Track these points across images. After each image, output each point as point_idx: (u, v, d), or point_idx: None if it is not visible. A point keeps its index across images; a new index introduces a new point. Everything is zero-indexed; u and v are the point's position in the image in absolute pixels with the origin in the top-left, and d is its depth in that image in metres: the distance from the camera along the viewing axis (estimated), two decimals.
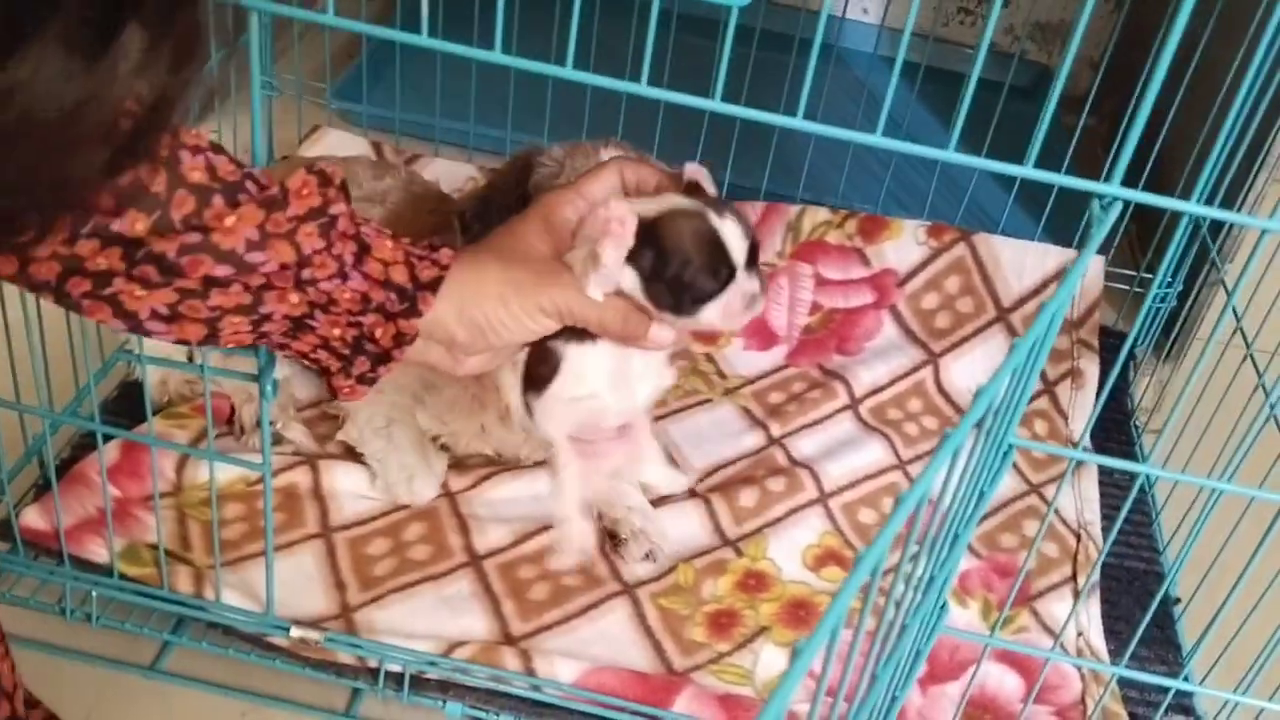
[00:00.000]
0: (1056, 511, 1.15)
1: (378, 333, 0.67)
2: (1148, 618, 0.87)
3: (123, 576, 0.92)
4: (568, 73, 0.64)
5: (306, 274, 0.64)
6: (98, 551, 0.94)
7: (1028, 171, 0.64)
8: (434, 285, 0.67)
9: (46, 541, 0.93)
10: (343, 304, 0.65)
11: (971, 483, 0.71)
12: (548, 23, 0.99)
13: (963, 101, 0.61)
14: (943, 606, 0.77)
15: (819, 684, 0.46)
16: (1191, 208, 0.66)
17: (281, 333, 0.66)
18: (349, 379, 0.70)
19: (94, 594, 0.94)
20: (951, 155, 0.64)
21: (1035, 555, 1.10)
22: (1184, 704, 0.99)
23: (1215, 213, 0.74)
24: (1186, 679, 0.93)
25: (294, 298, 0.64)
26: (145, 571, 0.94)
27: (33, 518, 0.94)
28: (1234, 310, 1.12)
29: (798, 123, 0.63)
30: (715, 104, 0.63)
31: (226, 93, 1.30)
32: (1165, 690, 0.92)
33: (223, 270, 0.61)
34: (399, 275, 0.66)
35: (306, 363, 0.70)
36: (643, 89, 0.63)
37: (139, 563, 0.94)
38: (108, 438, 0.97)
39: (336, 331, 0.66)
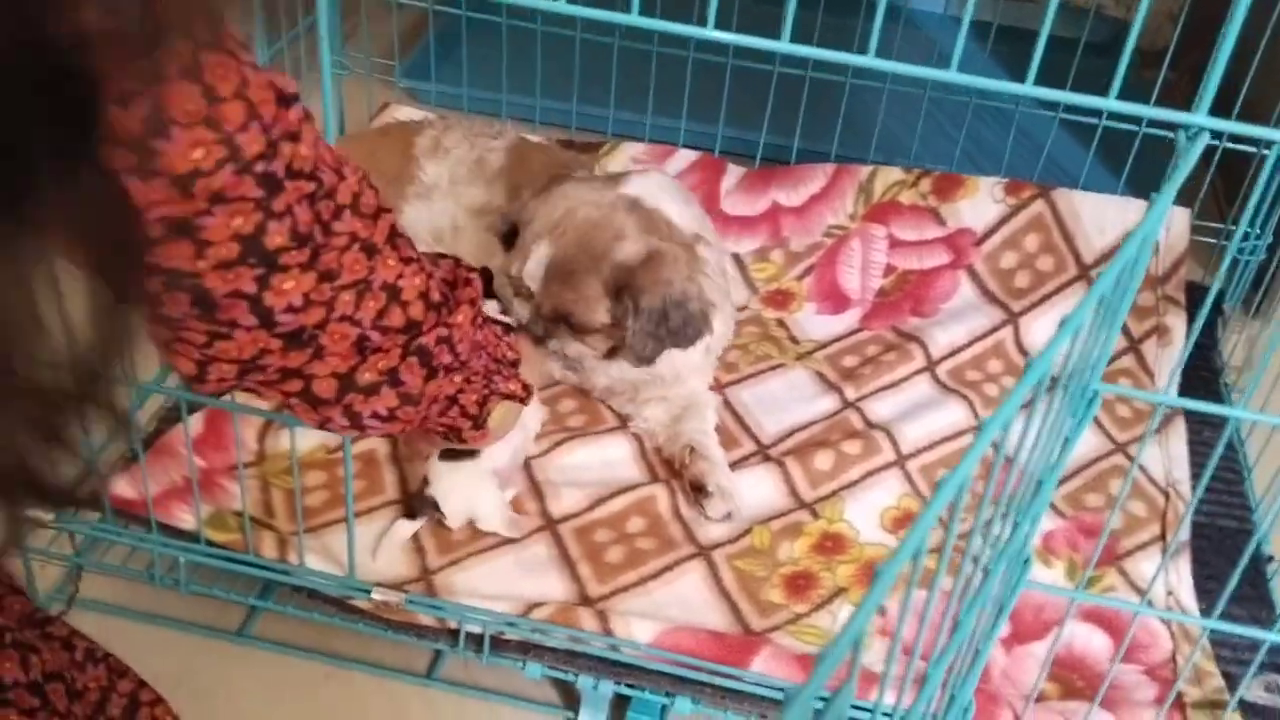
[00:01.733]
0: (1144, 470, 1.12)
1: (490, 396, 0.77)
2: (1238, 573, 0.84)
3: (209, 543, 0.94)
4: (634, 19, 0.63)
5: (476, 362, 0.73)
6: (185, 519, 0.96)
7: (1110, 104, 0.62)
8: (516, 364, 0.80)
9: (135, 510, 0.96)
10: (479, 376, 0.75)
11: (1055, 431, 0.69)
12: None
13: (1038, 43, 0.60)
14: (1026, 560, 0.75)
15: (894, 640, 0.45)
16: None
17: (440, 413, 0.74)
18: (477, 430, 0.77)
19: (181, 560, 0.96)
20: (1030, 89, 0.62)
21: (1120, 513, 1.08)
22: (1277, 661, 0.96)
23: None
24: None
25: (457, 379, 0.72)
26: (231, 538, 0.96)
27: (122, 487, 0.97)
28: None
29: (869, 60, 0.62)
30: (784, 45, 0.62)
31: (298, 73, 1.32)
32: (1258, 645, 0.89)
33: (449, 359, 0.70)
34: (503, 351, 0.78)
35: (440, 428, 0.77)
36: (709, 33, 0.62)
37: (225, 529, 0.96)
38: (193, 408, 0.99)
39: (474, 398, 0.75)
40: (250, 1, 1.07)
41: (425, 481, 0.99)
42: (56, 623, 0.63)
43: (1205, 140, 0.61)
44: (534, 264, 1.00)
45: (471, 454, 0.96)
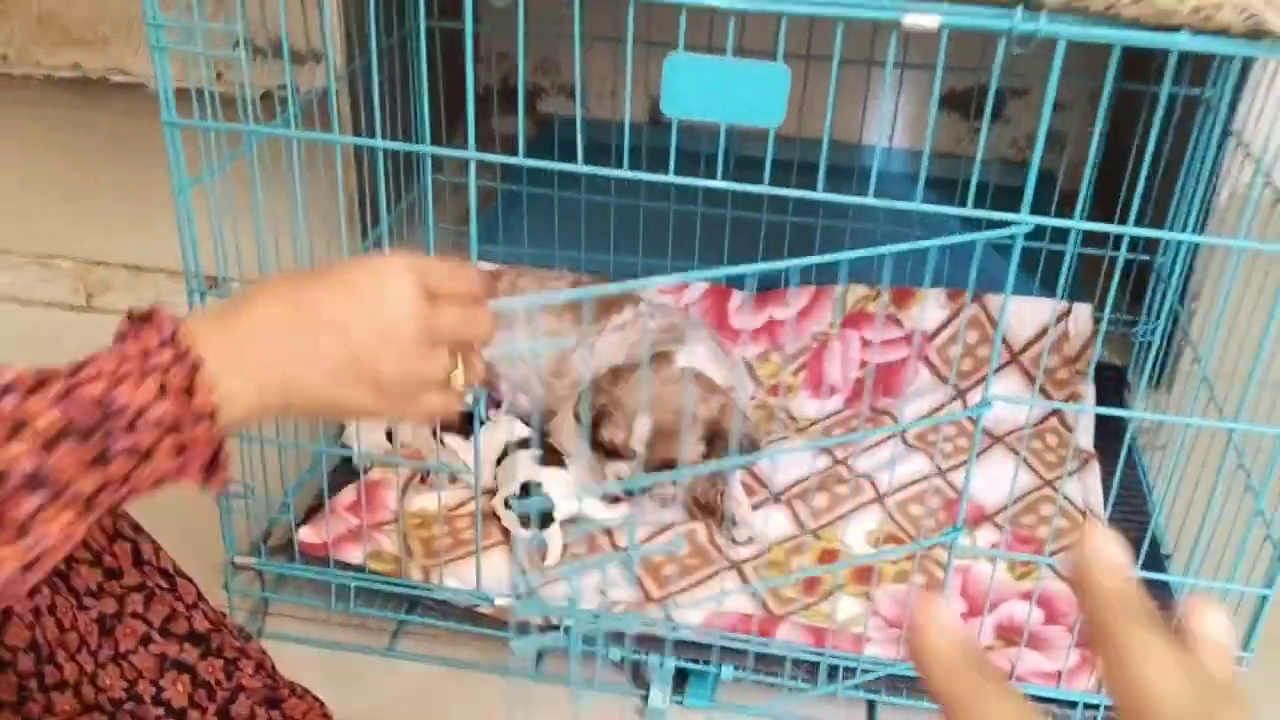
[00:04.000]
0: (1066, 497, 1.47)
1: None
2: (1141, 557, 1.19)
3: (371, 572, 1.29)
4: (673, 179, 1.02)
5: None
6: (354, 554, 1.30)
7: (972, 211, 1.00)
8: None
9: (317, 551, 1.30)
10: None
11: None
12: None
13: (971, 178, 0.98)
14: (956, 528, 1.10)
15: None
16: (1079, 224, 1.02)
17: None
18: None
19: (352, 585, 1.30)
20: (920, 206, 1.00)
21: (1050, 528, 1.42)
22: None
23: (1131, 230, 1.08)
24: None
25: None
26: (387, 567, 1.30)
27: (307, 534, 1.32)
28: (1190, 343, 1.46)
29: (819, 195, 1.00)
30: (766, 189, 1.01)
31: (400, 238, 1.72)
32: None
33: None
34: None
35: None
36: (718, 184, 1.01)
37: (382, 561, 1.31)
38: (364, 470, 1.34)
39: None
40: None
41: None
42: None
43: (1025, 232, 0.99)
44: (640, 431, 1.37)
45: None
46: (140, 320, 0.58)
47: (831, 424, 1.60)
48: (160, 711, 0.79)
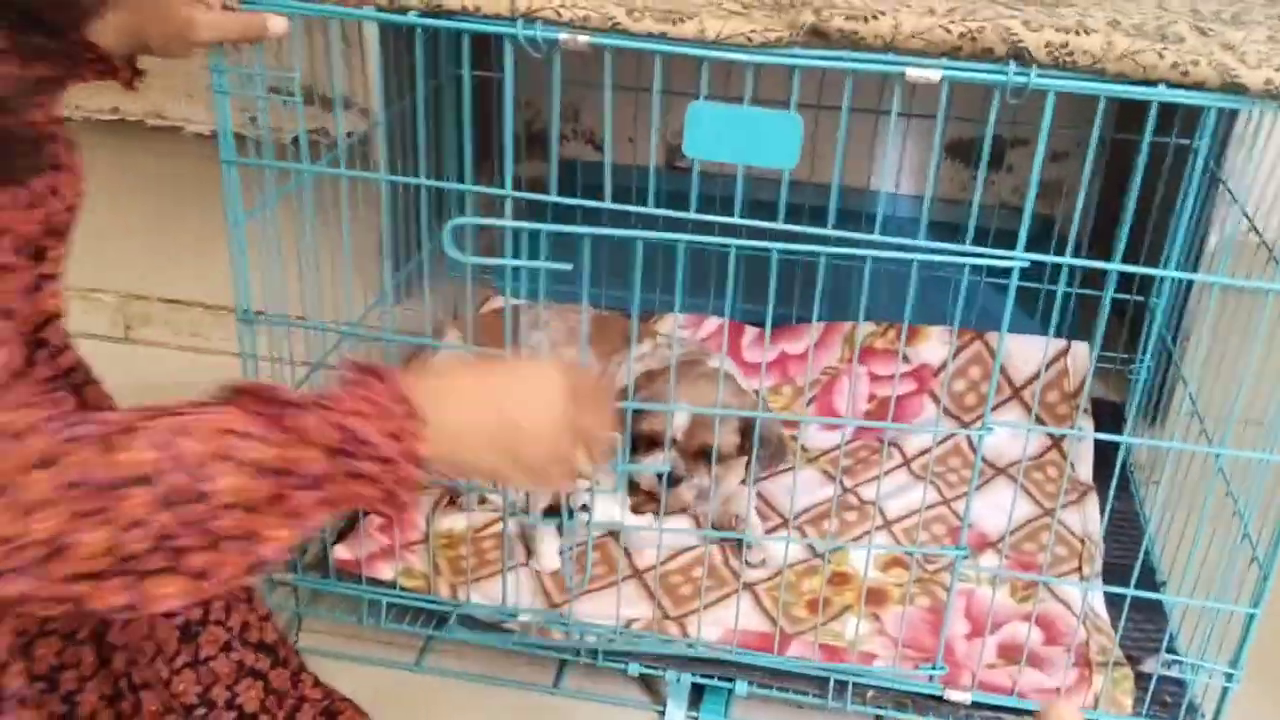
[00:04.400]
0: (1065, 525, 1.53)
1: None
2: (1133, 582, 1.25)
3: (402, 588, 1.36)
4: (692, 215, 1.10)
5: None
6: (385, 571, 1.37)
7: (958, 250, 1.08)
8: None
9: (350, 568, 1.37)
10: None
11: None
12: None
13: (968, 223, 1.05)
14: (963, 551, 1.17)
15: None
16: (1070, 260, 1.09)
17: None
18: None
19: (384, 601, 1.37)
20: (921, 244, 1.08)
21: (1049, 555, 1.48)
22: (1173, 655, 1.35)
23: (1122, 267, 1.16)
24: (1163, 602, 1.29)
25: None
26: (417, 583, 1.37)
27: (341, 552, 1.39)
28: (1182, 379, 1.54)
29: (829, 234, 1.08)
30: (780, 225, 1.09)
31: (431, 276, 1.81)
32: (1154, 637, 1.28)
33: None
34: None
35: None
36: (736, 220, 1.09)
37: (412, 578, 1.38)
38: None
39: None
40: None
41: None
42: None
43: (1021, 267, 1.06)
44: (679, 420, 1.44)
45: None
46: (368, 372, 0.72)
47: (839, 455, 1.67)
48: (232, 716, 0.85)
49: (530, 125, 2.25)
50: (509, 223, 1.17)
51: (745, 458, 1.51)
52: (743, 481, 1.52)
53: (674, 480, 1.45)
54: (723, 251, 1.94)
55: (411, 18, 1.07)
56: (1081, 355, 1.73)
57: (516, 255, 2.07)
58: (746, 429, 1.47)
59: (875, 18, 0.95)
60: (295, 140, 1.21)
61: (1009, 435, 1.65)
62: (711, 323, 1.85)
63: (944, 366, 1.75)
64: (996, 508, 1.54)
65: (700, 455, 1.45)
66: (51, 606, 0.63)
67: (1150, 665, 1.34)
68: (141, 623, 0.80)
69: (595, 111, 2.48)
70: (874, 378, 1.76)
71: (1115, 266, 1.13)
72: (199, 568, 0.66)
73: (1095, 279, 1.75)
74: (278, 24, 1.03)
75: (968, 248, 1.06)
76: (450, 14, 1.06)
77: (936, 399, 1.74)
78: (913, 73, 0.96)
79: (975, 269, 1.12)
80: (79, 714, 0.76)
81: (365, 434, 0.70)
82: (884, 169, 2.16)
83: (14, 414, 0.61)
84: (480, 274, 2.00)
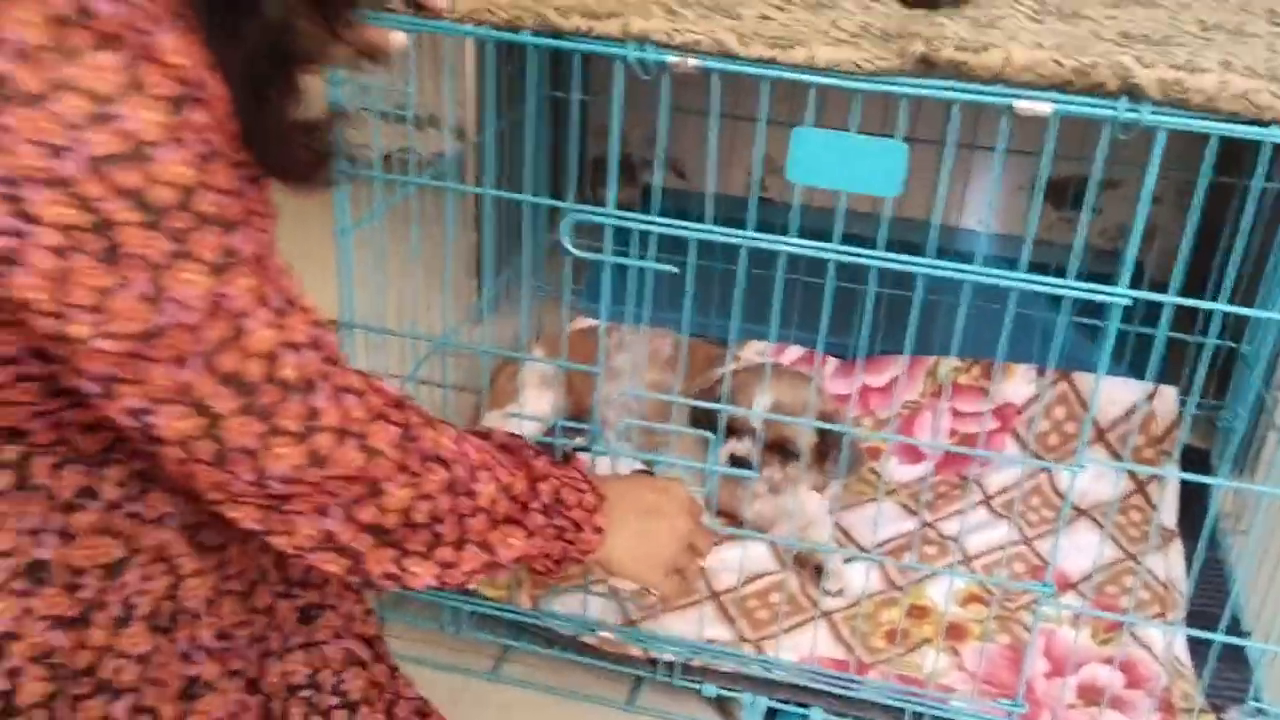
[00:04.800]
0: (1148, 569, 1.51)
1: None
2: (1222, 630, 1.23)
3: (484, 597, 1.38)
4: (798, 244, 1.11)
5: None
6: None
7: (1061, 283, 1.08)
8: None
9: None
10: None
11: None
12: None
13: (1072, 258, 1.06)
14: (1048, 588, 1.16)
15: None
16: (1172, 299, 1.09)
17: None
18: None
19: (466, 610, 1.39)
20: (1021, 277, 1.08)
21: (1132, 599, 1.46)
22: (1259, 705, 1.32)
23: (1222, 306, 1.14)
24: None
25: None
26: (499, 593, 1.39)
27: None
28: (1275, 428, 1.51)
29: (924, 263, 1.09)
30: (880, 255, 1.10)
31: (517, 294, 1.84)
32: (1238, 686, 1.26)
33: None
34: None
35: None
36: (834, 248, 1.10)
37: (495, 587, 1.40)
38: None
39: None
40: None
41: None
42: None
43: (1125, 303, 1.06)
44: (759, 407, 1.46)
45: None
46: (565, 460, 0.96)
47: (919, 490, 1.66)
48: (335, 701, 0.87)
49: (611, 154, 2.28)
50: (613, 217, 1.18)
51: (819, 465, 1.53)
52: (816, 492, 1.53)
53: (745, 463, 1.47)
54: (807, 282, 1.95)
55: (525, 37, 1.10)
56: (1168, 399, 1.71)
57: (597, 278, 2.10)
58: (825, 433, 1.49)
59: (986, 49, 0.96)
60: (387, 157, 1.25)
61: (1093, 477, 1.64)
62: (793, 352, 1.85)
63: (1028, 405, 1.74)
64: (1078, 549, 1.53)
65: (777, 449, 1.49)
66: (332, 559, 0.73)
67: (1234, 714, 1.31)
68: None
69: (681, 138, 2.51)
70: (956, 414, 1.75)
71: (1220, 307, 1.12)
72: (447, 559, 0.78)
73: (1183, 322, 1.74)
74: (399, 39, 1.07)
75: (1071, 281, 1.06)
76: (564, 35, 1.09)
77: (1019, 438, 1.72)
78: (1022, 105, 0.97)
79: (1058, 308, 1.12)
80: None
81: (567, 498, 0.88)
82: (971, 205, 2.16)
83: (353, 377, 0.71)
84: (552, 294, 2.04)
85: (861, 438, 1.64)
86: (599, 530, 0.92)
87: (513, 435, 0.90)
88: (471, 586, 1.38)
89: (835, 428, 1.37)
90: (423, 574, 0.77)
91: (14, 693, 0.67)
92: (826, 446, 1.52)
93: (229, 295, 0.61)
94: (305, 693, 0.85)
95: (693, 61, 1.06)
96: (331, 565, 0.73)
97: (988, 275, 1.09)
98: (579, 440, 1.59)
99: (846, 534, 1.57)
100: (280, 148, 0.67)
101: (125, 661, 0.71)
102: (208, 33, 0.58)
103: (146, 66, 0.55)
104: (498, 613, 1.38)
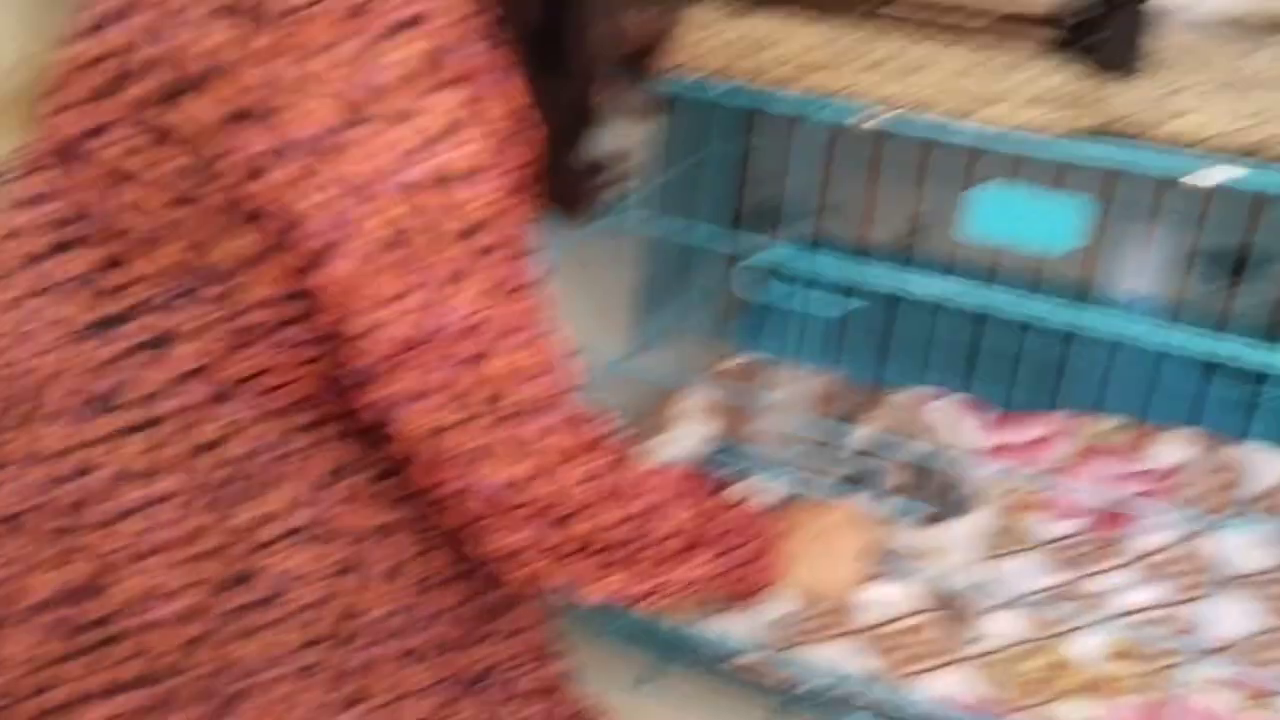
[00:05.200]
0: None
1: None
2: None
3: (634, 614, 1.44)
4: (1001, 297, 1.16)
5: None
6: None
7: (1223, 337, 1.10)
8: None
9: None
10: None
11: None
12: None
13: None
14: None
15: None
16: None
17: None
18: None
19: (614, 623, 1.46)
20: (1192, 329, 1.11)
21: None
22: None
23: None
24: None
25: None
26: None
27: None
28: None
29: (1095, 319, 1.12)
30: (1044, 306, 1.14)
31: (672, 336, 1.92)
32: None
33: None
34: None
35: None
36: (1002, 299, 1.14)
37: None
38: None
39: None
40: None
41: None
42: None
43: None
44: (916, 447, 1.52)
45: None
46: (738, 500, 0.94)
47: (1069, 545, 1.68)
48: (514, 691, 0.96)
49: (769, 200, 2.35)
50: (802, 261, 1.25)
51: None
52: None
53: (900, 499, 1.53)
54: (962, 336, 1.98)
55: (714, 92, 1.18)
56: None
57: (773, 319, 2.17)
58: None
59: (1177, 116, 1.00)
60: None
61: (1243, 546, 1.63)
62: (948, 399, 1.88)
63: (1178, 470, 1.74)
64: (1229, 615, 1.52)
65: (932, 488, 1.57)
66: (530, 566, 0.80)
67: None
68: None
69: (833, 189, 2.57)
70: (1106, 475, 1.76)
71: None
72: (635, 576, 0.84)
73: None
74: None
75: (1245, 339, 1.09)
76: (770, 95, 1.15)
77: (1168, 502, 1.72)
78: (1211, 174, 1.00)
79: (1212, 372, 1.14)
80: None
81: (747, 526, 0.91)
82: (1122, 269, 2.16)
83: (582, 406, 0.78)
84: (714, 331, 2.11)
85: (1019, 485, 1.66)
86: (778, 555, 0.95)
87: (693, 468, 0.95)
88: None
89: (989, 470, 1.41)
90: (617, 586, 0.84)
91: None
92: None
93: (500, 316, 0.69)
94: (483, 684, 0.93)
95: (872, 120, 1.12)
96: (527, 572, 0.81)
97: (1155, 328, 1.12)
98: (736, 469, 1.66)
99: (994, 581, 1.59)
100: (573, 184, 0.77)
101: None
102: (533, 83, 0.68)
103: (489, 103, 0.64)
104: (644, 629, 1.45)
